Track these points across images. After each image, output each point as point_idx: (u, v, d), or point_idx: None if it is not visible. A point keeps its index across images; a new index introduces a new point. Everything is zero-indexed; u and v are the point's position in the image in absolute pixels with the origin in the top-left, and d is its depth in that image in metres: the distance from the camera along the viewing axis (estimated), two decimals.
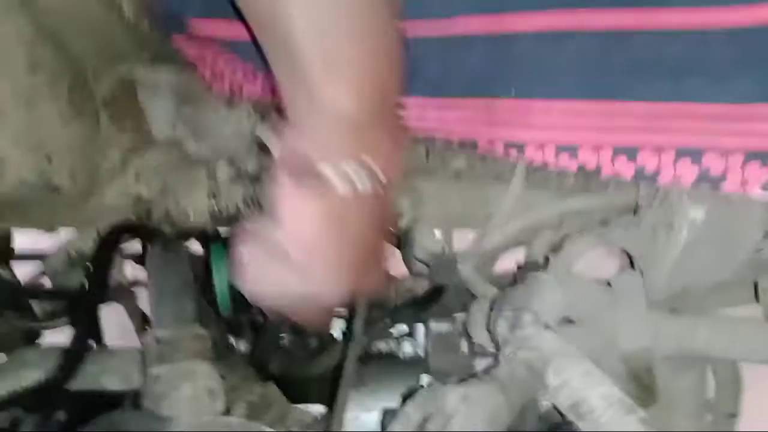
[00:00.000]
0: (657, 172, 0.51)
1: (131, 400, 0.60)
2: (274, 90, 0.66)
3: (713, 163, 0.49)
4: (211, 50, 0.65)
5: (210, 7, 0.57)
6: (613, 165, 0.52)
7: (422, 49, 0.53)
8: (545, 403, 0.52)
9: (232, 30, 0.57)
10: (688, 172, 0.50)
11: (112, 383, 0.59)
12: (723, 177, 0.49)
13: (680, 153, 0.49)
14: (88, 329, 0.62)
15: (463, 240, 0.75)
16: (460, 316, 0.69)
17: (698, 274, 0.60)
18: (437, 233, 0.72)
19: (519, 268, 0.72)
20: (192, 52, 0.67)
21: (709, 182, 0.49)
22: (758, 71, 0.46)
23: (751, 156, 0.48)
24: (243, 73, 0.66)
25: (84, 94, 0.75)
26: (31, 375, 0.58)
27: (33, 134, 0.65)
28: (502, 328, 0.54)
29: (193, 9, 0.58)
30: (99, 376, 0.59)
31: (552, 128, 0.53)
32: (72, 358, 0.57)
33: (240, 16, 0.53)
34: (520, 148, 0.54)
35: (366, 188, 0.43)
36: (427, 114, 0.56)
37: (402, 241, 0.73)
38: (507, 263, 0.74)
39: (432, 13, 0.51)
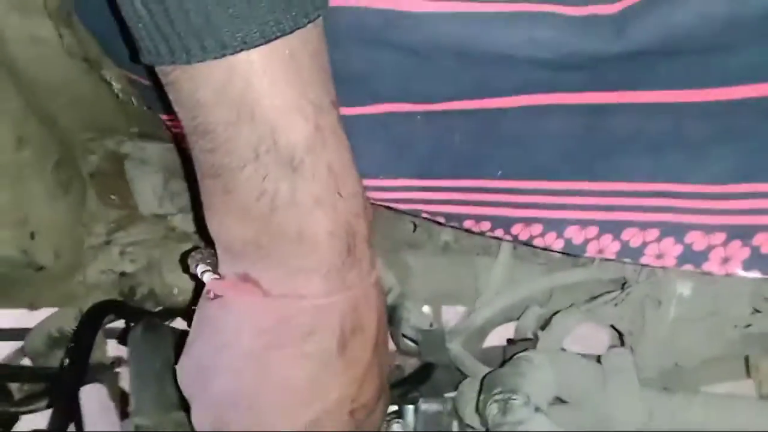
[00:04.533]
0: (641, 250, 0.51)
1: None
2: None
3: (696, 241, 0.49)
4: None
5: None
6: (599, 242, 0.52)
7: (407, 129, 0.54)
8: None
9: None
10: (672, 249, 0.50)
11: None
12: (705, 255, 0.49)
13: (664, 231, 0.50)
14: (67, 413, 0.59)
15: (451, 314, 0.75)
16: (450, 395, 0.68)
17: (689, 350, 0.60)
18: (426, 309, 0.71)
19: (509, 342, 0.72)
20: (178, 129, 0.67)
21: (692, 260, 0.50)
22: (735, 149, 0.47)
23: (732, 234, 0.48)
24: None
25: (71, 170, 0.75)
26: None
27: (17, 211, 0.64)
28: (492, 411, 0.53)
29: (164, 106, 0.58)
30: None
31: (538, 207, 0.53)
32: None
33: None
34: (507, 227, 0.55)
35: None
36: (412, 195, 0.56)
37: (390, 317, 0.73)
38: (496, 338, 0.74)
39: (414, 98, 0.52)
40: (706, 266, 0.49)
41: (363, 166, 0.56)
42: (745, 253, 0.48)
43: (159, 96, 0.62)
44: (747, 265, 0.48)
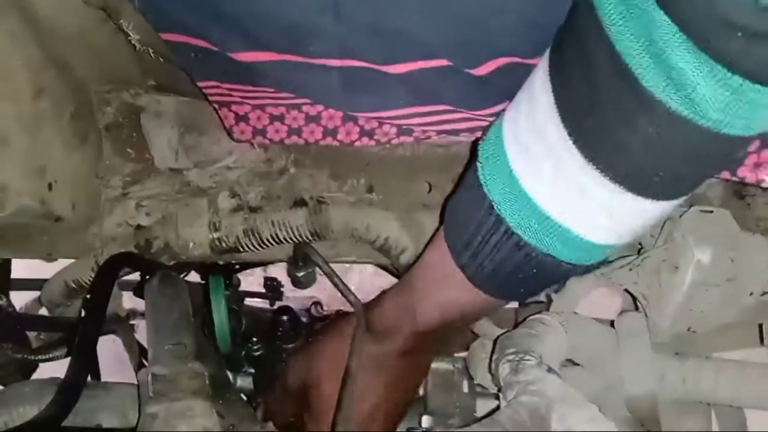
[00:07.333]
0: None
1: None
2: (298, 132, 0.65)
3: None
4: (239, 93, 0.63)
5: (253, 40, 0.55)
6: None
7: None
8: None
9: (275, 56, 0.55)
10: None
11: (108, 420, 0.58)
12: (742, 160, 0.52)
13: None
14: (85, 362, 0.60)
15: None
16: (460, 355, 0.68)
17: (703, 316, 0.60)
18: None
19: (521, 305, 0.72)
20: (216, 98, 0.65)
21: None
22: None
23: (766, 143, 0.51)
24: (269, 116, 0.65)
25: (88, 121, 0.75)
26: (26, 410, 0.57)
27: (35, 161, 0.64)
28: (504, 371, 0.54)
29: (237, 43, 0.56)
30: (95, 413, 0.58)
31: None
32: (68, 393, 0.56)
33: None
34: None
35: None
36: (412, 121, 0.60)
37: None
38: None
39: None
40: (741, 171, 0.51)
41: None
42: None
43: (206, 61, 0.60)
44: None
